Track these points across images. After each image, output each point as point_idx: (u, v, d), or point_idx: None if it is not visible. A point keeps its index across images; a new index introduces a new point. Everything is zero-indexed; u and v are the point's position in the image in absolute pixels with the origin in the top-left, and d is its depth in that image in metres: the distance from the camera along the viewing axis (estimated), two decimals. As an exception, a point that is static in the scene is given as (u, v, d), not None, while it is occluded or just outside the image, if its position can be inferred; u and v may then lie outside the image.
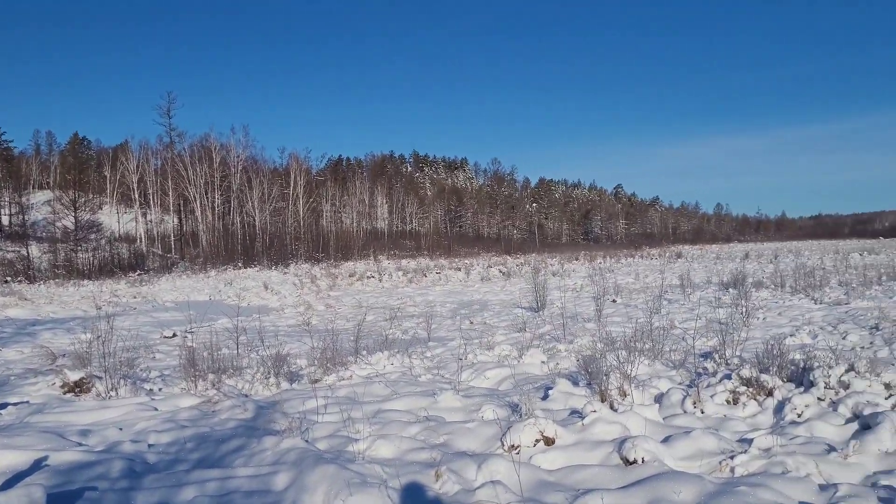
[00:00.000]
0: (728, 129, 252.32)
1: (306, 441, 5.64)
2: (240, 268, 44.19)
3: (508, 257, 61.38)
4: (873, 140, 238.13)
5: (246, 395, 7.92)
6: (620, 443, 5.26)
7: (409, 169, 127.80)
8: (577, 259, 53.97)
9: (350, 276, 36.17)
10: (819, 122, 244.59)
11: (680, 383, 7.68)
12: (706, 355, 9.52)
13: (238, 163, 62.00)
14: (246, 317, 17.14)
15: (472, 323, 16.86)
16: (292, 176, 67.05)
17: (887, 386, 6.42)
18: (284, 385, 8.53)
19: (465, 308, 21.54)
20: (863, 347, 10.58)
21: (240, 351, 11.19)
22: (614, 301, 20.30)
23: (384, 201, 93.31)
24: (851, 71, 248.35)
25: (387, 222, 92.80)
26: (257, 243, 57.18)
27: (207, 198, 58.95)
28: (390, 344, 11.24)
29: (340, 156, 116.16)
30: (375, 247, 70.04)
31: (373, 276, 35.09)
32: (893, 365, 8.64)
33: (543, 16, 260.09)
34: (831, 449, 5.21)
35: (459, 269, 39.75)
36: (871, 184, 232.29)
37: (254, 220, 60.37)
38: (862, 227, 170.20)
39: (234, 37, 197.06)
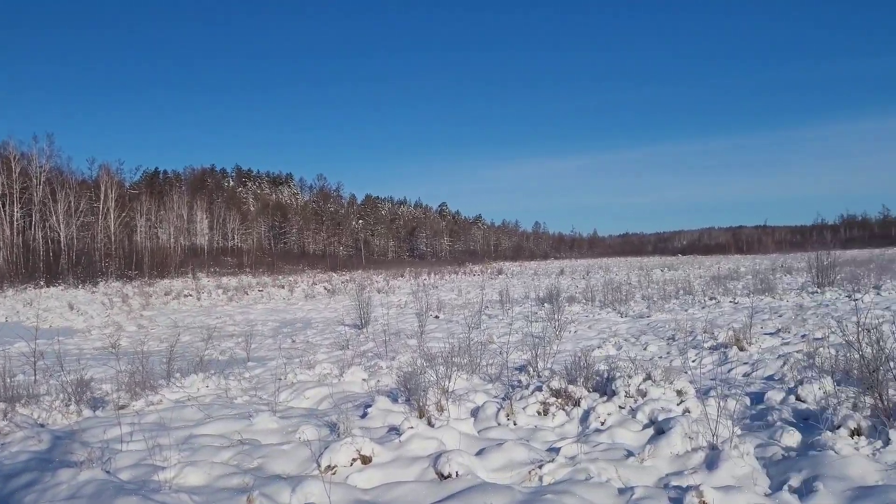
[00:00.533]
0: (546, 151, 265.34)
1: (107, 472, 5.28)
2: (42, 287, 40.83)
3: (334, 274, 61.00)
4: (672, 165, 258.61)
5: (42, 425, 7.31)
6: (436, 458, 5.34)
7: (232, 183, 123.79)
8: (402, 275, 54.55)
9: (166, 294, 34.52)
10: (626, 147, 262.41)
11: (495, 396, 7.92)
12: (521, 368, 9.90)
13: (41, 174, 57.52)
14: (47, 340, 15.86)
15: (294, 341, 16.58)
16: (103, 189, 62.98)
17: (679, 393, 6.97)
18: (87, 413, 7.95)
19: (288, 326, 21.15)
20: (660, 357, 11.43)
21: (37, 377, 10.35)
22: (437, 317, 20.68)
23: (204, 216, 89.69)
24: (657, 101, 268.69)
25: (207, 238, 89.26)
26: (62, 260, 53.20)
27: (5, 211, 54.22)
28: (206, 365, 10.82)
29: (157, 168, 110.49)
30: (194, 264, 67.07)
31: (190, 295, 33.68)
32: (686, 373, 9.40)
33: (366, 33, 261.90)
34: (630, 454, 5.56)
35: (283, 287, 39.03)
36: (672, 206, 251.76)
37: (59, 235, 56.17)
38: (664, 244, 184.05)
39: (34, 39, 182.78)
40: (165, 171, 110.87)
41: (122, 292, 35.48)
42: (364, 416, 7.26)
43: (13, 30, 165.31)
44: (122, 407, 8.16)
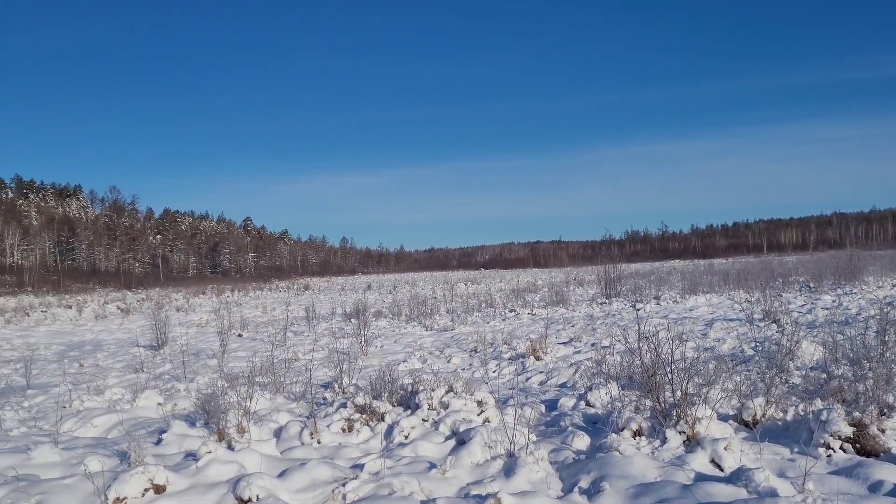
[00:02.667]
0: (353, 166, 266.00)
1: None
2: None
3: (129, 292, 57.50)
4: (475, 182, 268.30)
5: None
6: (235, 482, 5.14)
7: (11, 195, 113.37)
8: (204, 293, 52.36)
9: (-72, 318, 30.88)
10: (431, 163, 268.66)
11: (300, 415, 7.78)
12: (326, 385, 9.80)
13: None
14: None
15: (81, 366, 15.36)
16: None
17: (480, 403, 7.19)
18: None
19: (76, 349, 19.58)
20: (464, 369, 11.75)
21: None
22: (240, 335, 20.02)
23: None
24: (458, 119, 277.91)
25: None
26: None
27: None
28: (-24, 396, 9.77)
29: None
30: (-35, 283, 60.81)
31: (-40, 318, 30.35)
32: (486, 383, 9.72)
33: (156, 39, 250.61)
34: (433, 466, 5.65)
35: (70, 307, 36.24)
36: (475, 222, 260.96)
37: None
38: (467, 259, 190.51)
39: None
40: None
41: None
42: (159, 442, 6.86)
43: None
44: None
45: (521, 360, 11.94)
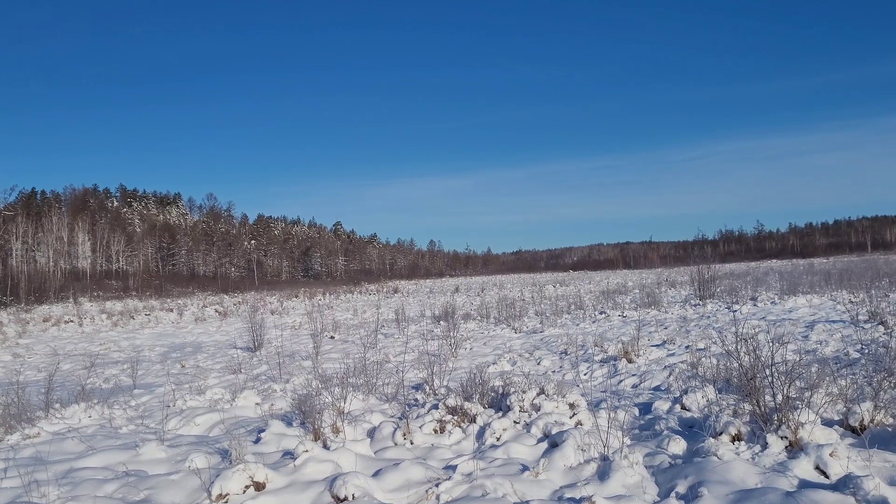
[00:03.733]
0: (440, 170, 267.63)
1: (-22, 513, 4.95)
2: None
3: (226, 296, 59.44)
4: (563, 183, 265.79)
5: None
6: (332, 481, 5.25)
7: (116, 204, 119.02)
8: (296, 296, 53.65)
9: (45, 321, 32.69)
10: (518, 165, 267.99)
11: (392, 416, 7.88)
12: (417, 387, 9.89)
13: None
14: None
15: (183, 366, 15.99)
16: (-26, 210, 59.52)
17: (571, 406, 7.12)
18: (-45, 449, 7.43)
19: (177, 351, 20.39)
20: (554, 371, 11.66)
21: None
22: (332, 337, 20.42)
23: (87, 238, 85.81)
24: (547, 121, 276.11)
25: (90, 261, 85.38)
26: (-72, 286, 49.77)
27: None
28: (89, 394, 10.26)
29: (34, 189, 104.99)
30: (76, 288, 64.05)
31: (72, 321, 32.02)
32: (578, 386, 9.62)
33: (251, 49, 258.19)
34: (525, 468, 5.63)
35: (172, 310, 37.71)
36: (563, 223, 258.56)
37: (-76, 260, 52.54)
38: (555, 261, 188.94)
39: None
40: (44, 192, 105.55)
41: (-4, 319, 33.42)
42: (257, 441, 7.07)
43: None
44: (-5, 442, 7.66)
45: (612, 362, 11.77)
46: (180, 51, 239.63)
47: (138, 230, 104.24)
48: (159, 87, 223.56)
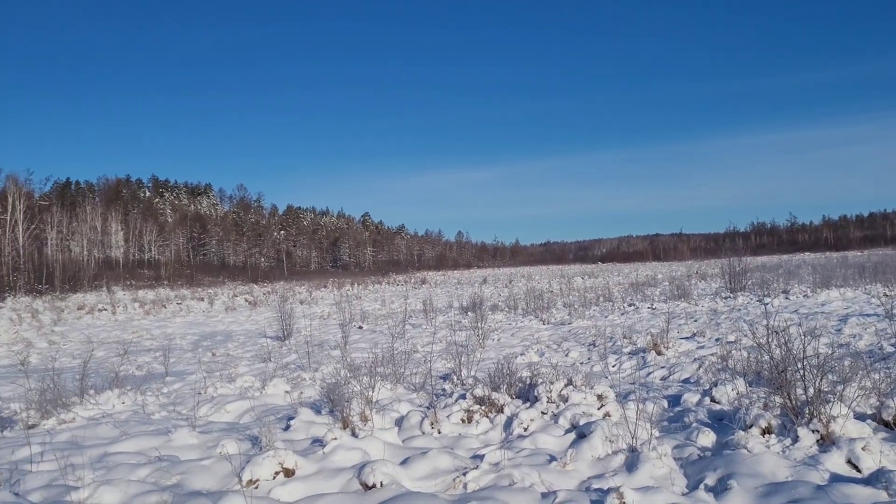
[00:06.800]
0: (468, 161, 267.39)
1: (16, 494, 5.05)
2: (-58, 303, 38.87)
3: (255, 286, 59.97)
4: (591, 175, 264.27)
5: (-57, 448, 6.94)
6: (360, 468, 5.29)
7: (148, 194, 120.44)
8: (325, 286, 53.99)
9: (79, 308, 33.23)
10: (546, 156, 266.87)
11: (420, 405, 7.91)
12: (445, 377, 9.93)
13: (-58, 184, 54.83)
14: (-53, 358, 15.07)
15: (214, 355, 16.19)
16: (10, 200, 60.41)
17: (600, 397, 7.09)
18: (-7, 433, 7.60)
19: (208, 339, 20.64)
20: (582, 363, 11.63)
21: (-62, 397, 9.83)
22: (360, 327, 20.54)
23: (119, 228, 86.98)
24: (575, 112, 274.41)
25: (122, 251, 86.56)
26: (-34, 274, 50.75)
27: None
28: (122, 381, 10.44)
29: (69, 179, 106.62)
30: (109, 277, 64.98)
31: (105, 309, 32.50)
32: (606, 378, 9.59)
33: (282, 41, 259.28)
34: (552, 458, 5.63)
35: (203, 299, 38.14)
36: (591, 215, 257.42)
37: (-39, 248, 53.57)
38: (584, 252, 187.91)
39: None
40: (78, 182, 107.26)
41: (32, 307, 34.02)
42: (287, 428, 7.14)
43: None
44: (32, 426, 7.82)
45: (641, 354, 11.71)
46: (211, 42, 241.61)
47: (170, 220, 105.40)
48: (191, 78, 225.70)
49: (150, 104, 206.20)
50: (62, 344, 20.83)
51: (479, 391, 7.37)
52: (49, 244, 69.45)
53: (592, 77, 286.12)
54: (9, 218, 59.19)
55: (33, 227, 62.53)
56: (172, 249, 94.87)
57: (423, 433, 6.75)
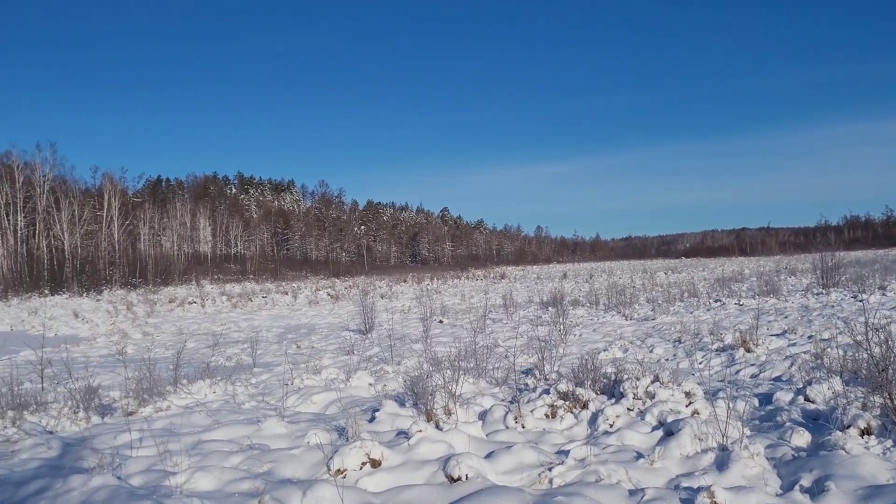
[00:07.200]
0: (546, 156, 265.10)
1: (118, 478, 5.28)
2: (46, 295, 40.91)
3: (337, 280, 60.97)
4: (674, 168, 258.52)
5: (51, 433, 7.31)
6: (445, 461, 5.33)
7: (234, 191, 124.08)
8: (405, 281, 54.49)
9: (170, 301, 34.48)
10: (627, 150, 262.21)
11: (503, 400, 7.91)
12: (527, 372, 9.89)
13: (44, 183, 57.61)
14: (53, 348, 15.89)
15: (299, 347, 16.57)
16: (106, 197, 63.13)
17: (688, 394, 6.95)
18: (95, 419, 7.96)
19: (293, 332, 21.14)
20: (667, 359, 11.41)
21: (45, 385, 10.37)
22: (441, 322, 20.66)
23: (207, 224, 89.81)
24: (651, 105, 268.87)
25: (210, 246, 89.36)
26: (66, 269, 53.27)
27: (9, 220, 54.33)
28: (213, 371, 10.80)
29: (160, 176, 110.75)
30: (198, 271, 67.19)
31: (195, 302, 33.64)
32: (693, 375, 9.39)
33: (367, 40, 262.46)
34: (639, 456, 5.55)
35: (287, 293, 39.01)
36: (674, 208, 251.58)
37: (62, 243, 56.23)
38: (666, 247, 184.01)
39: (34, 49, 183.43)
40: (168, 179, 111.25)
41: (127, 300, 35.50)
42: (372, 420, 7.25)
43: (12, 36, 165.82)
44: (131, 413, 8.17)
45: (729, 351, 11.40)
46: (292, 42, 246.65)
47: (255, 216, 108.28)
48: (275, 76, 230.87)
49: (235, 102, 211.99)
50: (155, 335, 21.68)
51: (562, 386, 7.32)
52: (142, 239, 72.22)
53: (674, 69, 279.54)
54: (105, 214, 61.86)
55: (127, 222, 65.19)
56: (257, 244, 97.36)
57: (507, 427, 6.75)
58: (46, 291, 42.68)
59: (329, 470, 5.38)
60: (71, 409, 8.06)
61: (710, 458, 5.42)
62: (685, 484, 4.94)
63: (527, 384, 8.81)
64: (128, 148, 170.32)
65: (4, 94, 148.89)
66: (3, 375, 9.27)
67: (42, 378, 10.62)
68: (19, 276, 48.45)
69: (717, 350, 11.74)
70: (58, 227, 56.41)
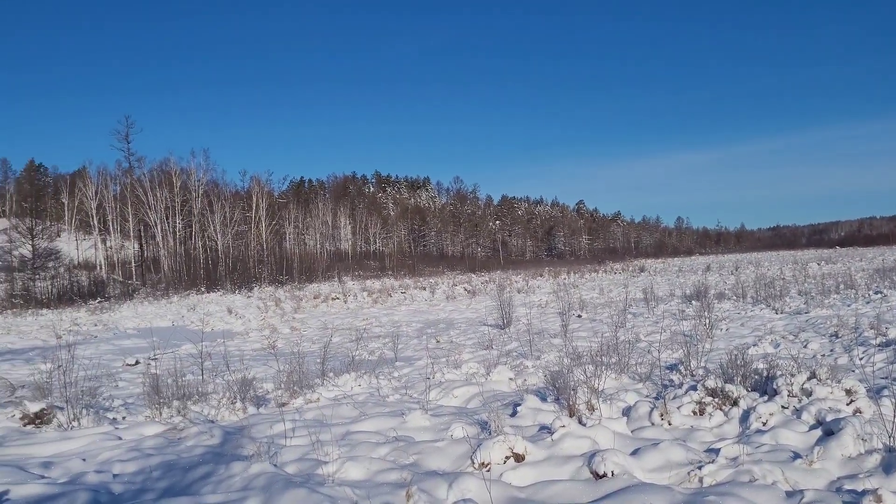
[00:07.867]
0: (686, 144, 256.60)
1: (275, 465, 5.57)
2: (202, 292, 43.67)
3: (473, 275, 61.45)
4: (828, 152, 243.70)
5: (212, 421, 7.81)
6: (590, 457, 5.28)
7: (372, 189, 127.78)
8: (541, 275, 54.19)
9: (315, 297, 35.90)
10: (775, 136, 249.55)
11: (647, 396, 7.74)
12: (672, 367, 9.62)
13: (199, 187, 61.42)
14: (210, 342, 16.90)
15: (438, 341, 16.83)
16: (254, 199, 66.58)
17: (848, 392, 6.55)
18: (251, 410, 8.42)
19: (432, 327, 21.50)
20: (823, 355, 10.78)
21: (205, 376, 11.05)
22: (580, 316, 20.42)
23: (347, 222, 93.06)
24: (802, 87, 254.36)
25: (350, 243, 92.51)
26: (220, 267, 56.58)
27: (168, 223, 58.30)
28: (357, 365, 11.18)
29: (302, 177, 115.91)
30: (339, 268, 69.64)
31: (338, 298, 34.86)
32: (854, 371, 8.83)
33: (500, 37, 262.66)
34: (796, 456, 5.28)
35: (424, 289, 39.71)
36: (827, 195, 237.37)
37: (216, 243, 59.74)
38: (818, 237, 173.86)
39: (192, 60, 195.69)
40: (310, 180, 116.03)
41: (275, 296, 37.28)
42: (514, 414, 7.28)
43: (176, 54, 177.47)
44: (283, 404, 8.59)
45: (893, 346, 10.64)
46: (423, 45, 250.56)
47: (392, 213, 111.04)
48: (408, 75, 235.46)
49: (373, 101, 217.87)
50: (302, 330, 22.65)
51: (710, 382, 7.07)
52: (287, 238, 75.63)
53: (824, 43, 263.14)
54: (253, 215, 65.18)
55: (273, 222, 68.45)
56: (395, 241, 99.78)
57: (653, 424, 6.59)
58: (202, 289, 45.51)
59: (473, 463, 5.45)
60: (229, 400, 8.56)
61: (875, 459, 5.08)
62: (848, 486, 4.66)
63: (671, 380, 8.58)
64: (273, 150, 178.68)
65: (162, 100, 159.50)
66: (169, 367, 9.95)
67: (202, 370, 11.33)
68: (178, 275, 51.89)
69: (879, 345, 10.98)
70: (211, 228, 60.00)
